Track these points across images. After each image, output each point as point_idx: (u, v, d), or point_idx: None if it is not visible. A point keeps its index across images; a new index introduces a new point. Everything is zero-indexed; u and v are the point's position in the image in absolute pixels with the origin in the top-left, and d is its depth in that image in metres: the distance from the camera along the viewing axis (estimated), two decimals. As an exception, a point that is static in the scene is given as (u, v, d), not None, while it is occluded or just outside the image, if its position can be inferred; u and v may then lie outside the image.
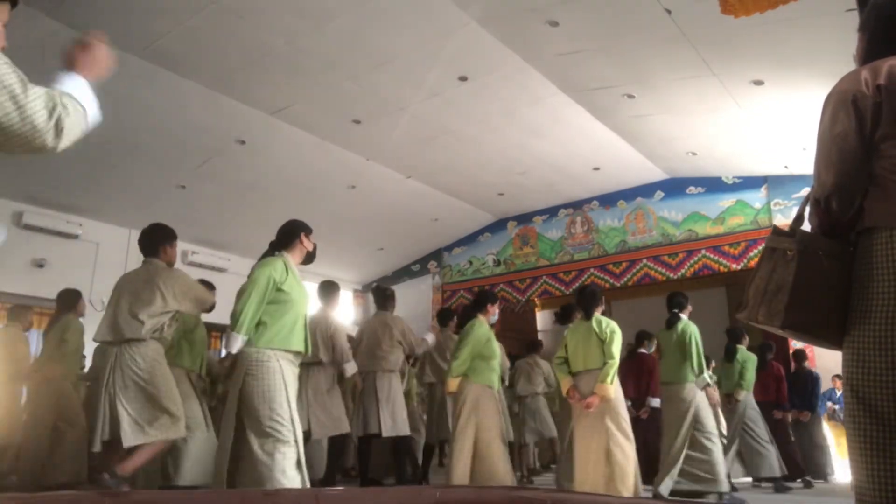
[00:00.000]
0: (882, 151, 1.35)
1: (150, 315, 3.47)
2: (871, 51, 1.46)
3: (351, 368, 4.95)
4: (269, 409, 3.07)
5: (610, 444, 4.03)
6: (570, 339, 4.42)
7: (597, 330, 4.23)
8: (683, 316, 5.13)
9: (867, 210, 1.37)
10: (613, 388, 4.12)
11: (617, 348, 4.19)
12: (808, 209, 1.51)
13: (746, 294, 1.51)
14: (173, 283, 3.58)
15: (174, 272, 3.68)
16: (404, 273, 10.75)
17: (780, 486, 5.71)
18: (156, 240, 3.74)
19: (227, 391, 3.43)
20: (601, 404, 4.10)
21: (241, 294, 3.22)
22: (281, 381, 3.15)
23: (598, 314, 4.33)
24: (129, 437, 3.30)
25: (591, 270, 8.92)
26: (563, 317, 5.68)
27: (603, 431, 4.07)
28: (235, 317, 3.16)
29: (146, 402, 3.41)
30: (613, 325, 4.27)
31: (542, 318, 10.23)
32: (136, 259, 3.74)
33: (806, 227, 1.50)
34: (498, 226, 9.95)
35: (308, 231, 3.53)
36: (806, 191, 1.56)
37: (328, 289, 5.25)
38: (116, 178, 6.85)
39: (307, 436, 4.66)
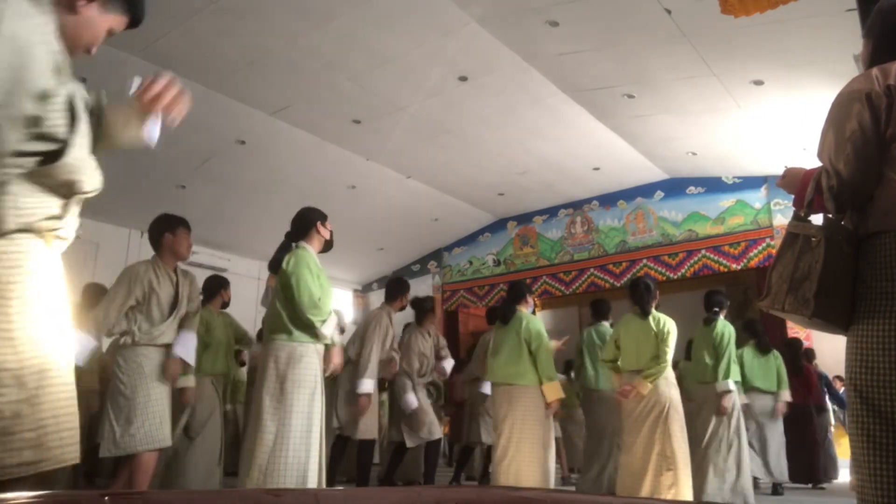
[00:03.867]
0: (891, 152, 1.35)
1: (108, 314, 3.25)
2: (876, 57, 1.46)
3: (364, 386, 4.59)
4: (304, 405, 3.05)
5: (673, 447, 3.85)
6: (622, 337, 4.20)
7: (655, 329, 4.02)
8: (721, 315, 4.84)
9: (872, 213, 1.37)
10: (665, 388, 3.95)
11: (671, 349, 4.01)
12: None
13: (769, 281, 1.48)
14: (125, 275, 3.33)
15: (131, 267, 3.40)
16: (404, 273, 10.73)
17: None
18: (152, 234, 3.52)
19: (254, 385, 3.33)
20: (661, 406, 3.90)
21: (303, 294, 3.13)
22: (318, 376, 3.16)
23: (654, 310, 4.11)
24: (103, 448, 3.14)
25: (591, 270, 8.91)
26: (597, 313, 5.44)
27: (659, 433, 3.88)
28: (311, 304, 3.08)
29: (121, 411, 3.18)
30: (670, 323, 4.07)
31: (543, 318, 10.22)
32: (135, 259, 3.65)
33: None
34: (498, 226, 9.94)
35: (323, 218, 3.46)
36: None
37: (396, 286, 5.04)
38: (116, 178, 6.84)
39: (342, 435, 4.66)
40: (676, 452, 3.86)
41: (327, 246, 3.48)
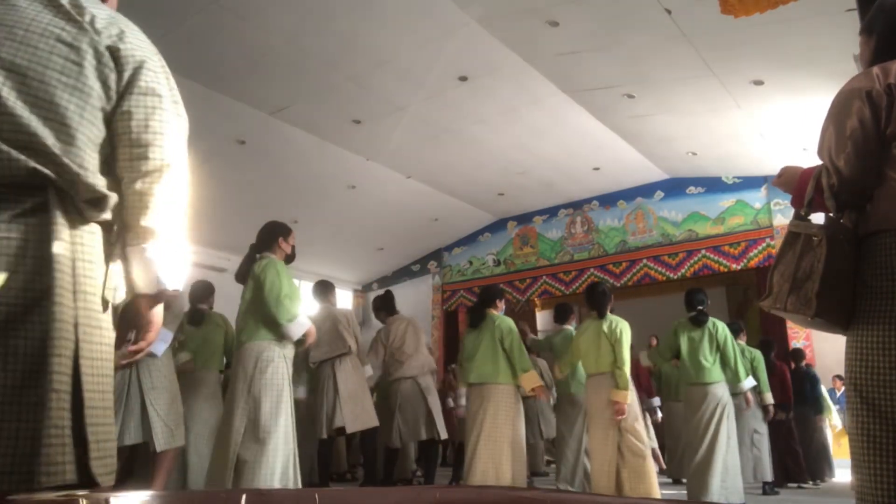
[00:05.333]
0: (892, 152, 1.34)
1: None
2: (878, 55, 1.44)
3: (370, 370, 4.93)
4: (272, 407, 3.11)
5: (622, 446, 3.99)
6: (580, 340, 4.33)
7: (606, 331, 4.15)
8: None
9: (872, 213, 1.36)
10: (629, 393, 4.04)
11: (627, 351, 4.09)
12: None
13: (770, 281, 1.47)
14: None
15: None
16: (404, 273, 10.74)
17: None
18: None
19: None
20: (611, 406, 4.02)
21: (271, 292, 3.24)
22: (286, 379, 3.22)
23: (609, 313, 4.24)
24: (161, 442, 3.29)
25: (591, 270, 8.91)
26: (559, 316, 5.60)
27: (616, 432, 4.03)
28: (278, 302, 3.19)
29: (171, 405, 3.41)
30: (623, 325, 4.17)
31: (542, 318, 10.23)
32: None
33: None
34: (498, 226, 9.94)
35: (286, 233, 3.57)
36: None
37: (325, 287, 5.21)
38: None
39: (340, 431, 4.66)
40: (623, 450, 4.01)
41: (289, 259, 3.60)
